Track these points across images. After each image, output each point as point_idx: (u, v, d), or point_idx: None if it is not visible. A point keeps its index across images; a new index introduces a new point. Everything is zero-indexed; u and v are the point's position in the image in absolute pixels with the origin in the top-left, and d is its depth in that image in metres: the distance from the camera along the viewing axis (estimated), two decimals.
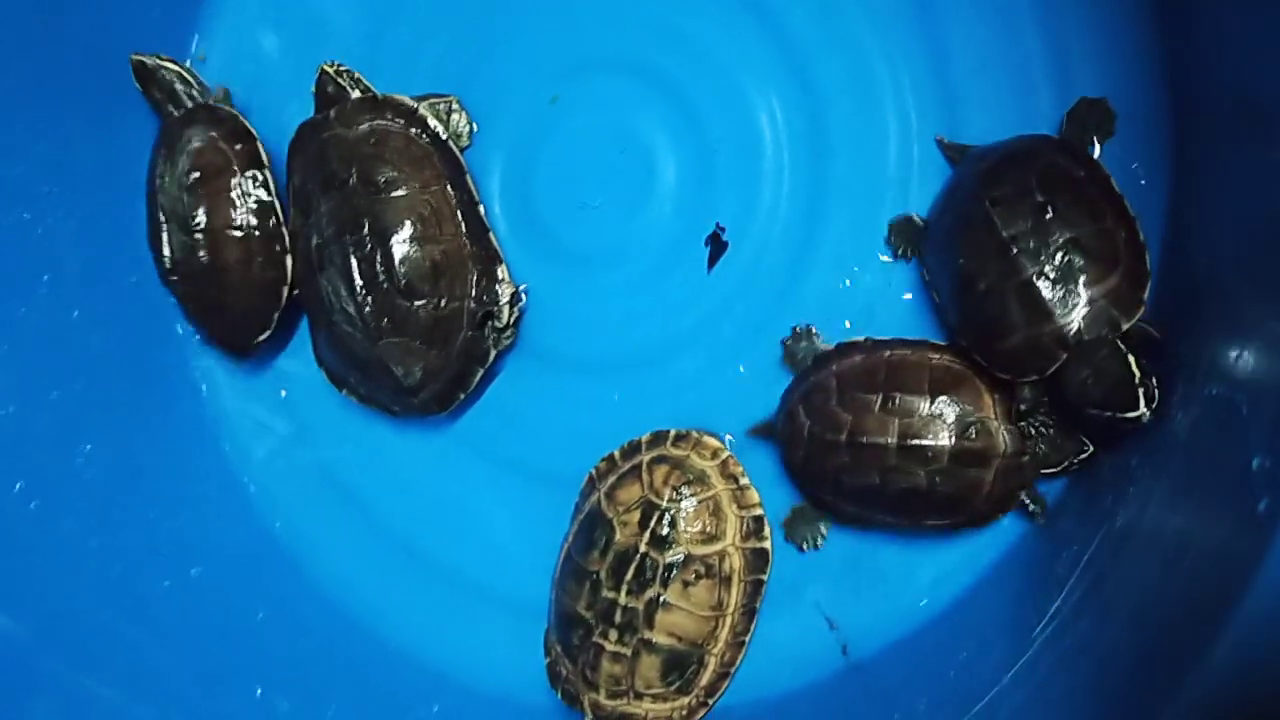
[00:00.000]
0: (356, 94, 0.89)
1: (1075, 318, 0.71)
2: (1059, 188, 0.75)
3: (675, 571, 0.81)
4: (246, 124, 0.90)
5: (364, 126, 0.87)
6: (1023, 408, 0.77)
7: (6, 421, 0.84)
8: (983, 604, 0.81)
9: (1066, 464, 0.77)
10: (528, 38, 0.92)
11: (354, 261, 0.85)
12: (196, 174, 0.87)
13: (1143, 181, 0.76)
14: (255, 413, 0.96)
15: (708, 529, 0.83)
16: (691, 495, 0.83)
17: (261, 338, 0.91)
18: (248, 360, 0.93)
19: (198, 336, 0.94)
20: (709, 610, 0.82)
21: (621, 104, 0.90)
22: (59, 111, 0.88)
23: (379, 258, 0.84)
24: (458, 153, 0.89)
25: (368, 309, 0.85)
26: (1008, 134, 0.82)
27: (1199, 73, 0.72)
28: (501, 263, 0.89)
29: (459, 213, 0.87)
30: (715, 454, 0.86)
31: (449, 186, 0.87)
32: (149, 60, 0.90)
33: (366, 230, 0.84)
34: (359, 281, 0.85)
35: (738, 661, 0.84)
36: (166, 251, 0.88)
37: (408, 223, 0.85)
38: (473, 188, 0.88)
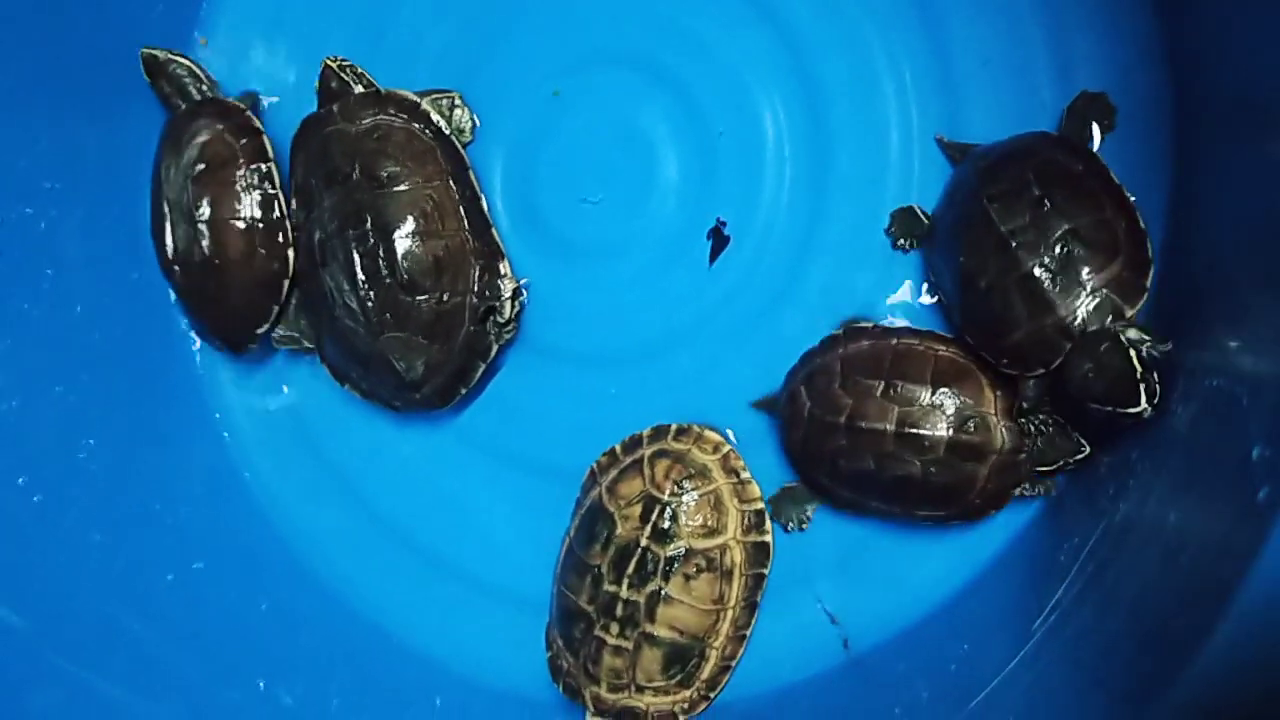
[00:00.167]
0: (359, 89, 0.89)
1: (1078, 308, 0.71)
2: (1056, 181, 0.75)
3: (676, 565, 0.82)
4: (254, 118, 0.91)
5: (367, 121, 0.87)
6: (1025, 405, 0.77)
7: (10, 416, 0.84)
8: (984, 596, 0.81)
9: (1061, 463, 0.77)
10: (529, 32, 0.92)
11: (356, 256, 0.85)
12: (202, 165, 0.88)
13: (1143, 175, 0.76)
14: (257, 407, 0.96)
15: (709, 523, 0.83)
16: (693, 489, 0.83)
17: (260, 330, 0.91)
18: (245, 355, 0.93)
19: (192, 331, 0.94)
20: (710, 604, 0.82)
21: (623, 98, 0.90)
22: (62, 107, 0.89)
23: (381, 252, 0.85)
24: (460, 148, 0.89)
25: (370, 304, 0.85)
26: (1009, 130, 0.82)
27: (1200, 68, 0.72)
28: (503, 258, 0.89)
29: (461, 208, 0.88)
30: (716, 448, 0.86)
31: (451, 181, 0.87)
32: (160, 54, 0.90)
33: (369, 225, 0.85)
34: (361, 276, 0.85)
35: (739, 655, 0.85)
36: (169, 242, 0.89)
37: (410, 218, 0.85)
38: (475, 183, 0.89)
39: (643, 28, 0.90)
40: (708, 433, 0.87)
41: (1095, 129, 0.79)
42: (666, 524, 0.82)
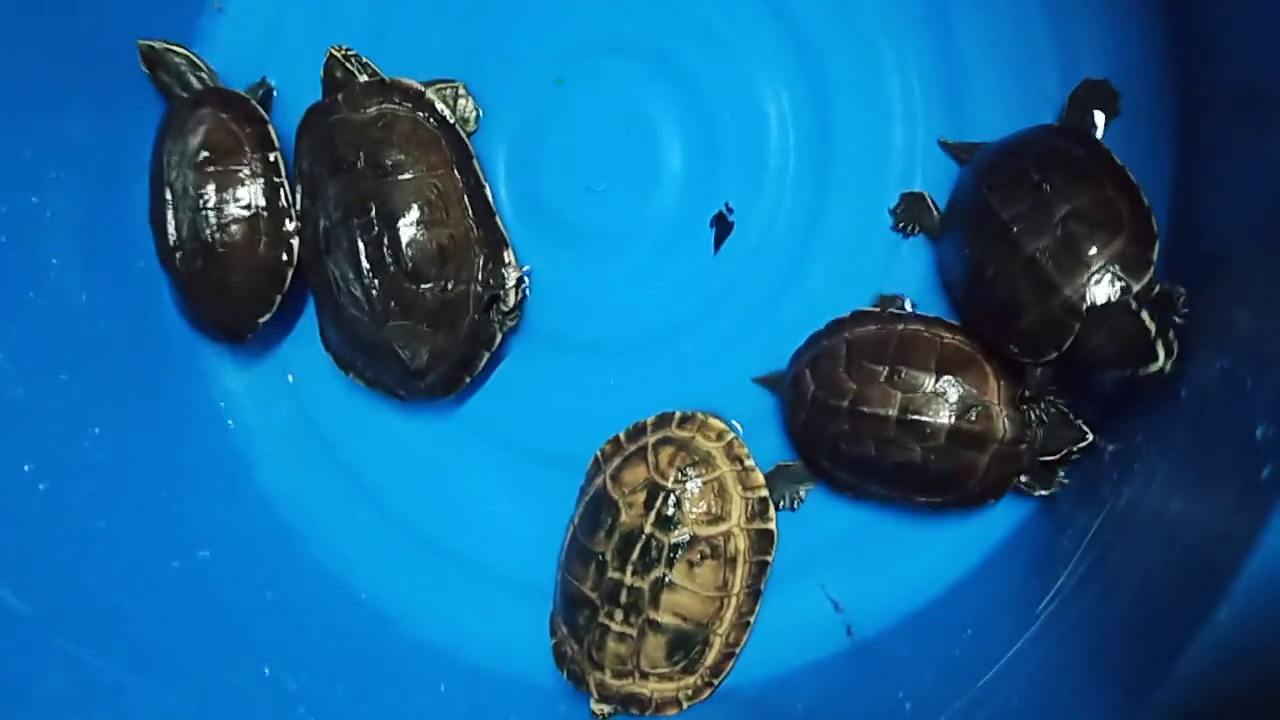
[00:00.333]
0: (364, 78, 0.89)
1: (1083, 285, 0.71)
2: (1056, 167, 0.75)
3: (680, 552, 0.82)
4: (258, 107, 0.91)
5: (371, 110, 0.87)
6: (1027, 393, 0.77)
7: (16, 404, 0.84)
8: (988, 582, 0.81)
9: (1065, 452, 0.77)
10: (533, 20, 0.92)
11: (361, 245, 0.85)
12: (206, 153, 0.88)
13: (1147, 162, 0.76)
14: (262, 396, 0.96)
15: (713, 510, 0.83)
16: (696, 476, 0.83)
17: (263, 319, 0.91)
18: (245, 345, 0.94)
19: (190, 322, 0.94)
20: (714, 591, 0.83)
21: (627, 87, 0.90)
22: (67, 97, 0.89)
23: (386, 241, 0.85)
24: (464, 137, 0.89)
25: (375, 292, 0.85)
26: (1013, 120, 0.81)
27: (1205, 55, 0.72)
28: (507, 246, 0.89)
29: (465, 196, 0.88)
30: (720, 436, 0.86)
31: (456, 170, 0.88)
32: (158, 45, 0.91)
33: (374, 213, 0.85)
34: (366, 265, 0.85)
35: (743, 642, 0.85)
36: (171, 230, 0.88)
37: (415, 206, 0.85)
38: (479, 172, 0.89)
39: (646, 16, 0.90)
40: (711, 420, 0.87)
41: (1099, 116, 0.79)
42: (670, 511, 0.82)
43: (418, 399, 0.91)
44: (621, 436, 0.89)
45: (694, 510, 0.83)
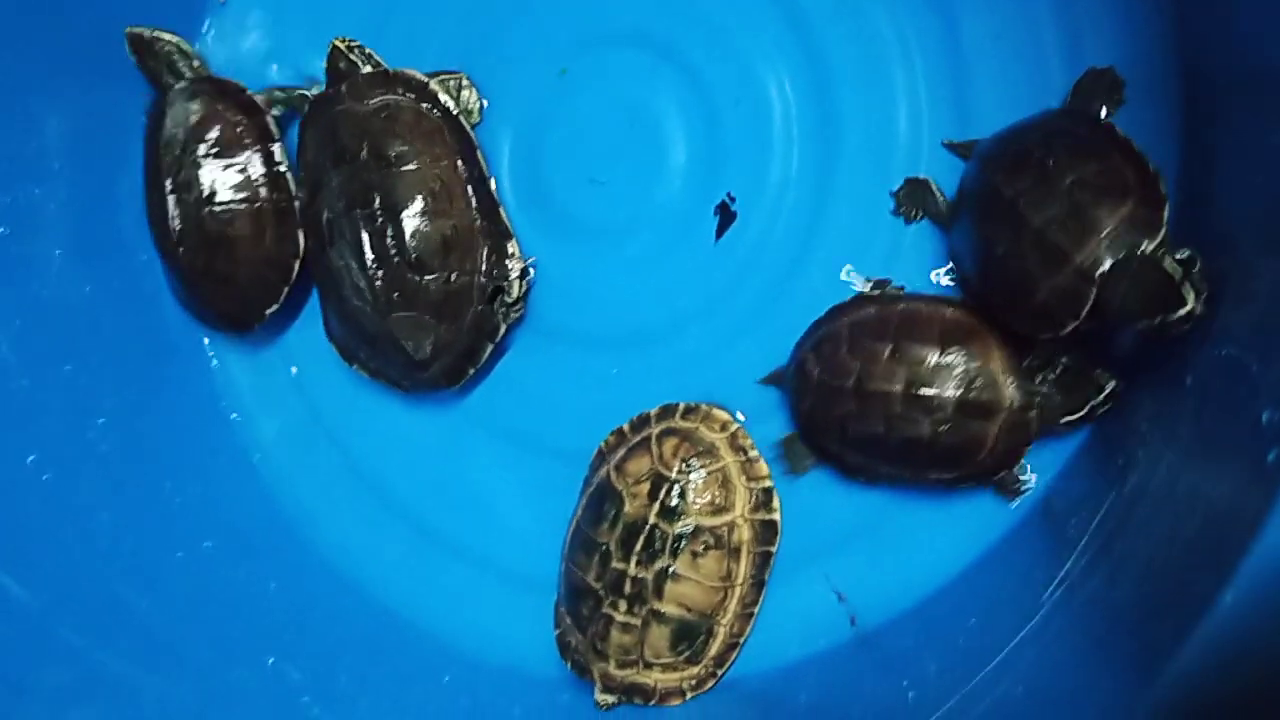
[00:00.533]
0: (367, 69, 0.89)
1: (1094, 250, 0.69)
2: (1060, 144, 0.75)
3: (684, 542, 0.82)
4: (253, 97, 0.90)
5: (375, 101, 0.87)
6: (1035, 363, 0.77)
7: (20, 395, 0.84)
8: (993, 572, 0.81)
9: (1089, 408, 0.76)
10: (537, 12, 0.92)
11: (365, 236, 0.85)
12: (207, 144, 0.88)
13: (1151, 149, 0.76)
14: (266, 388, 0.97)
15: (717, 500, 0.83)
16: (700, 467, 0.83)
17: (270, 311, 0.91)
18: (250, 336, 0.94)
19: (192, 314, 0.93)
20: (718, 581, 0.83)
21: (631, 78, 0.90)
22: (69, 88, 0.89)
23: (390, 232, 0.85)
24: (468, 128, 0.89)
25: (378, 283, 0.85)
26: (1017, 109, 0.81)
27: (1209, 43, 0.71)
28: (511, 237, 0.89)
29: (469, 188, 0.88)
30: (724, 426, 0.86)
31: (459, 161, 0.88)
32: (146, 32, 0.90)
33: (378, 205, 0.85)
34: (370, 256, 0.85)
35: (746, 632, 0.85)
36: (172, 222, 0.88)
37: (419, 197, 0.85)
38: (483, 163, 0.89)
39: (650, 7, 0.90)
40: (715, 411, 0.87)
41: (1103, 105, 0.78)
42: (674, 501, 0.82)
43: (421, 390, 0.91)
44: (625, 428, 0.89)
45: (698, 501, 0.83)
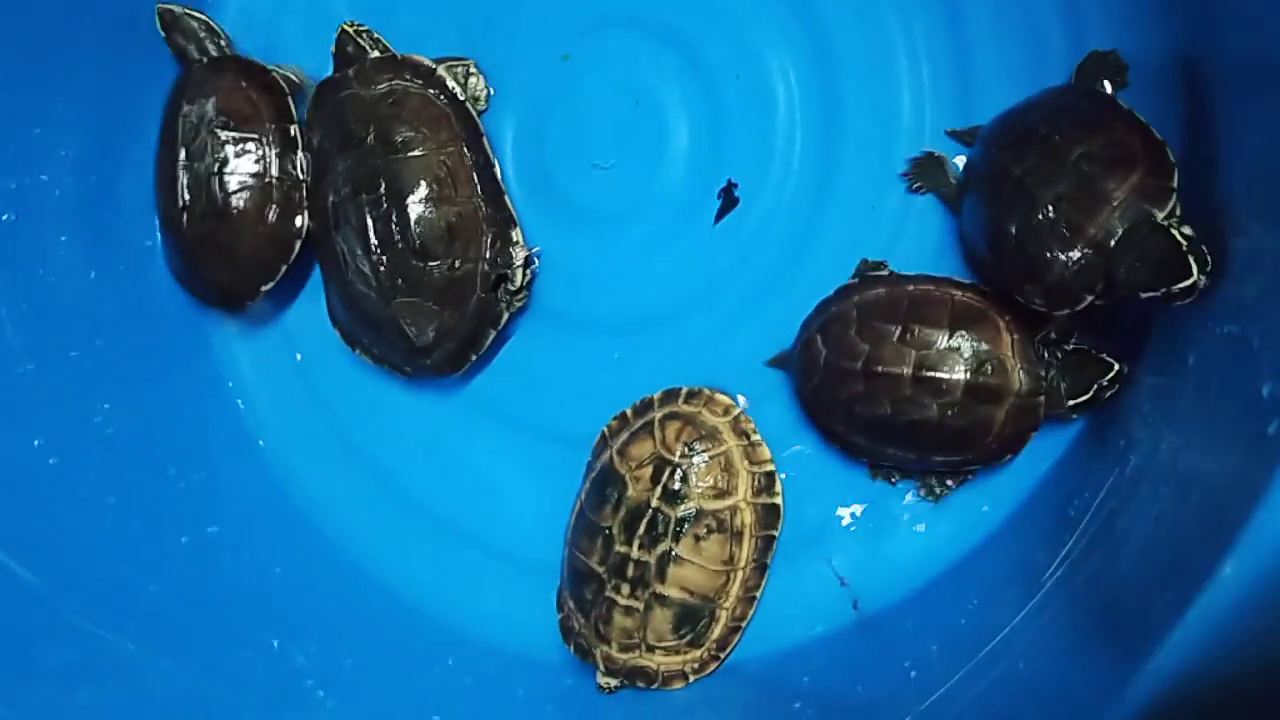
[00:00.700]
0: (375, 54, 0.90)
1: (1106, 222, 0.69)
2: (1064, 119, 0.75)
3: (687, 526, 0.82)
4: (277, 77, 0.91)
5: (383, 86, 0.88)
6: (1052, 335, 0.77)
7: (26, 380, 0.85)
8: (995, 554, 0.81)
9: (1095, 390, 0.76)
10: None
11: (370, 221, 0.86)
12: (225, 119, 0.88)
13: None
14: (270, 373, 0.97)
15: (719, 484, 0.83)
16: (703, 451, 0.84)
17: (265, 288, 0.91)
18: (249, 316, 0.94)
19: (188, 287, 0.94)
20: (720, 565, 0.83)
21: (634, 62, 0.90)
22: (76, 74, 0.89)
23: (394, 218, 0.85)
24: (474, 115, 0.89)
25: (382, 269, 0.86)
26: (1020, 92, 0.81)
27: (1211, 24, 0.71)
28: (516, 225, 0.89)
29: (475, 174, 0.88)
30: (727, 411, 0.87)
31: (465, 148, 0.88)
32: (177, 9, 0.91)
33: (383, 190, 0.85)
34: (374, 241, 0.86)
35: (749, 616, 0.85)
36: (181, 191, 0.89)
37: (424, 183, 0.86)
38: (489, 150, 0.89)
39: None
40: (718, 396, 0.88)
41: (1107, 87, 0.78)
42: (677, 485, 0.83)
43: (423, 376, 0.92)
44: (628, 412, 0.89)
45: (700, 485, 0.83)
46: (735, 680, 0.85)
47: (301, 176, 0.90)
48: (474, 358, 0.90)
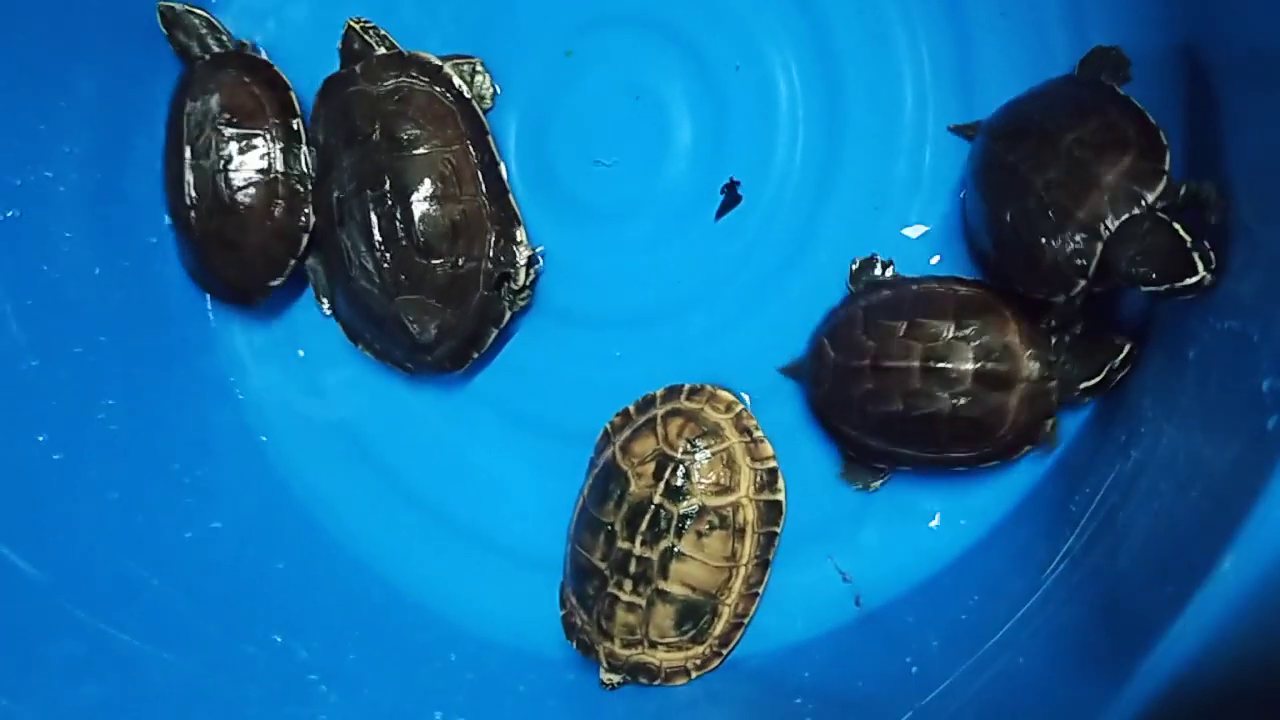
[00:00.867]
0: (382, 50, 0.90)
1: (1097, 205, 0.69)
2: (1059, 107, 0.75)
3: (689, 522, 0.82)
4: (280, 73, 0.92)
5: (389, 83, 0.88)
6: (1054, 323, 0.76)
7: (30, 375, 0.85)
8: (996, 550, 0.82)
9: (1107, 372, 0.76)
10: None
11: (374, 217, 0.86)
12: (229, 114, 0.89)
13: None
14: (273, 369, 0.97)
15: (721, 481, 0.84)
16: (705, 448, 0.84)
17: (274, 283, 0.92)
18: (256, 312, 0.95)
19: (198, 283, 0.94)
20: (722, 561, 0.83)
21: (636, 59, 0.90)
22: (81, 71, 0.89)
23: (399, 215, 0.86)
24: (480, 113, 0.89)
25: (386, 265, 0.86)
26: (1022, 88, 0.81)
27: (1214, 18, 0.72)
28: (520, 225, 0.90)
29: (479, 173, 0.88)
30: (729, 407, 0.87)
31: (470, 146, 0.88)
32: (178, 6, 0.91)
33: (388, 187, 0.86)
34: (378, 238, 0.86)
35: (751, 612, 0.86)
36: (188, 187, 0.89)
37: (428, 181, 0.86)
38: (494, 148, 0.89)
39: None
40: (720, 392, 0.88)
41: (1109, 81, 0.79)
42: (679, 481, 0.83)
43: (425, 373, 0.92)
44: (631, 408, 0.89)
45: (703, 481, 0.83)
46: (737, 675, 0.86)
47: (307, 171, 0.91)
48: (476, 355, 0.91)
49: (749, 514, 0.84)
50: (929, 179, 0.87)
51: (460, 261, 0.87)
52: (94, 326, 0.90)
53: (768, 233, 0.89)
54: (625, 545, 0.83)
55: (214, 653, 0.83)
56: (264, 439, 0.96)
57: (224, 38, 0.93)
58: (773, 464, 0.86)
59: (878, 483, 0.86)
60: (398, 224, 0.86)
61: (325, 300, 0.94)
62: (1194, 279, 0.65)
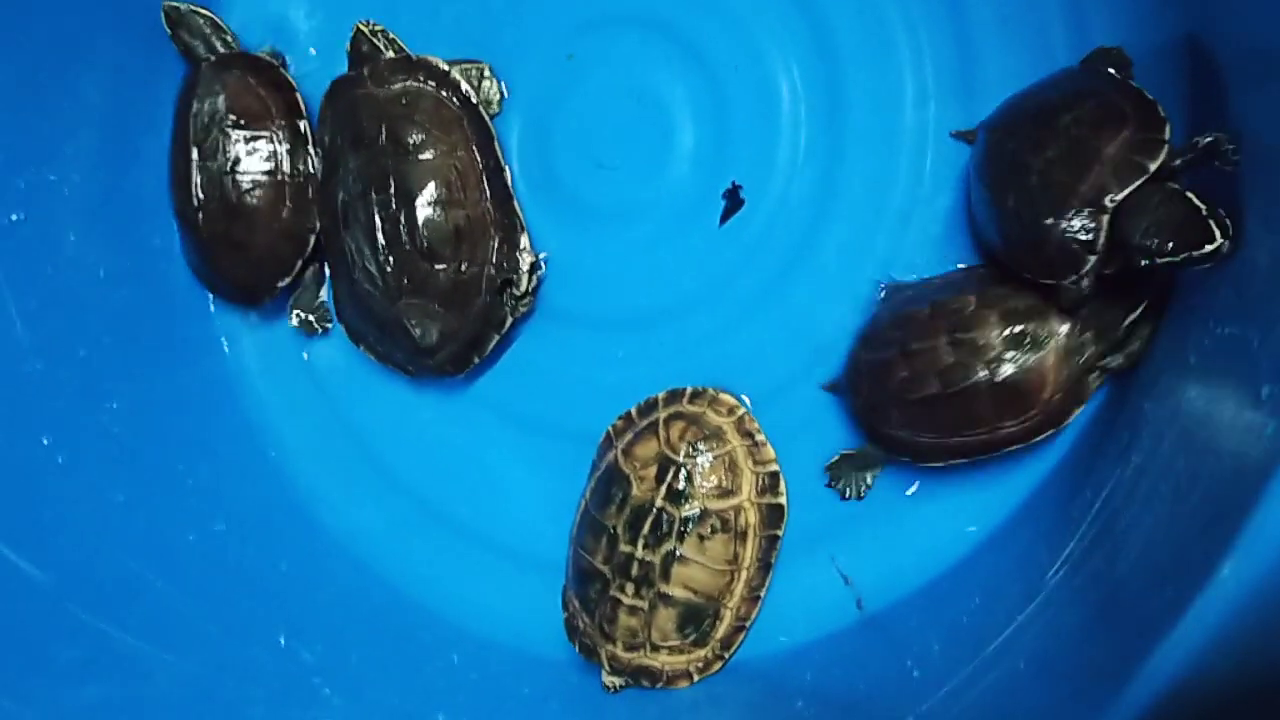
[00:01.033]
0: (390, 54, 0.90)
1: (1097, 178, 0.68)
2: (1054, 92, 0.75)
3: (691, 526, 0.83)
4: (286, 74, 0.92)
5: (396, 86, 0.88)
6: (1065, 306, 0.75)
7: (34, 377, 0.85)
8: (998, 553, 0.82)
9: (1124, 332, 0.74)
10: None
11: (378, 221, 0.86)
12: (236, 116, 0.89)
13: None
14: (278, 372, 0.97)
15: (723, 484, 0.84)
16: (707, 451, 0.85)
17: (282, 283, 0.92)
18: (260, 308, 0.95)
19: (206, 284, 0.94)
20: (724, 564, 0.84)
21: (638, 61, 0.90)
22: (85, 72, 0.90)
23: (403, 219, 0.86)
24: (486, 118, 0.89)
25: (389, 269, 0.87)
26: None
27: (1215, 20, 0.72)
28: (523, 230, 0.90)
29: (484, 178, 0.88)
30: (731, 411, 0.87)
31: (476, 152, 0.88)
32: (182, 6, 0.91)
33: (393, 190, 0.86)
34: (382, 241, 0.86)
35: (753, 615, 0.86)
36: (195, 189, 0.89)
37: (433, 185, 0.86)
38: (499, 154, 0.89)
39: None
40: (723, 396, 0.88)
41: None
42: (681, 485, 0.84)
43: (427, 376, 0.93)
44: (633, 412, 0.90)
45: (705, 484, 0.84)
46: (739, 678, 0.86)
47: (314, 171, 0.91)
48: (477, 360, 0.91)
49: (751, 517, 0.85)
50: (931, 181, 0.87)
51: (463, 266, 0.88)
52: (98, 328, 0.90)
53: (770, 235, 0.89)
54: (627, 548, 0.83)
55: (217, 654, 0.83)
56: (268, 441, 0.97)
57: (229, 38, 0.93)
58: (774, 467, 0.86)
59: (871, 477, 0.86)
60: (402, 228, 0.86)
61: (329, 325, 0.95)
62: (1212, 246, 0.63)
